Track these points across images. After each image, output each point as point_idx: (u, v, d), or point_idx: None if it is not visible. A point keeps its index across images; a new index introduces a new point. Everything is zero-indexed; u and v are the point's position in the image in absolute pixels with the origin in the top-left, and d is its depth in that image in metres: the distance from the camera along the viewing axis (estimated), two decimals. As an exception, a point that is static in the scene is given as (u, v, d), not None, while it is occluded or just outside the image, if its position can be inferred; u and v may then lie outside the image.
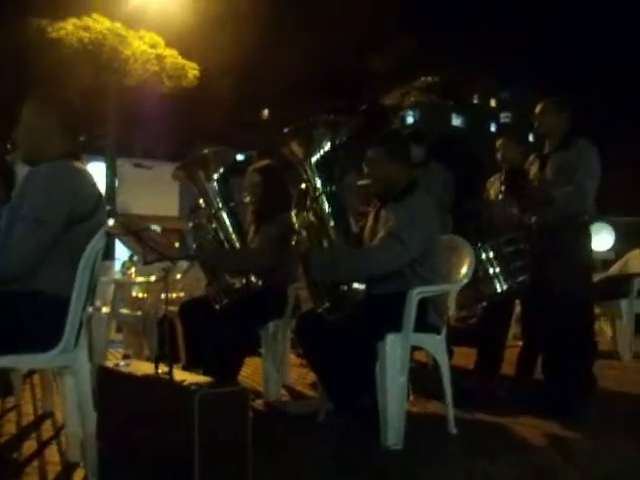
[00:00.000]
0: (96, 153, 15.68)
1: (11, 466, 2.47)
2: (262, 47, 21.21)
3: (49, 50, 13.16)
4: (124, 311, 4.82)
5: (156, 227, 15.54)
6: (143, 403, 2.33)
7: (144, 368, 2.52)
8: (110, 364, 2.77)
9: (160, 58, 14.12)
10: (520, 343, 4.11)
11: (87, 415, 2.28)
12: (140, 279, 4.88)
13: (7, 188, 3.16)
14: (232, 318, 3.29)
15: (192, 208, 3.67)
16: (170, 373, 2.30)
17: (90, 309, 4.01)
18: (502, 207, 3.75)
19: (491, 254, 3.48)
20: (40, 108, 2.33)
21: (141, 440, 2.27)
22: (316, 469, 2.49)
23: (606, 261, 15.11)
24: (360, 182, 3.12)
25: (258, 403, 3.48)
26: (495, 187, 3.99)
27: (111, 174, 14.63)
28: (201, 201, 3.62)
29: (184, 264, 4.67)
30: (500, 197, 3.77)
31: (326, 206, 2.88)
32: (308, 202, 2.91)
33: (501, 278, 3.47)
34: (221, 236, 3.57)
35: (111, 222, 2.71)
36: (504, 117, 38.66)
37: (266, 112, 30.48)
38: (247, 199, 3.68)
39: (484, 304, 3.72)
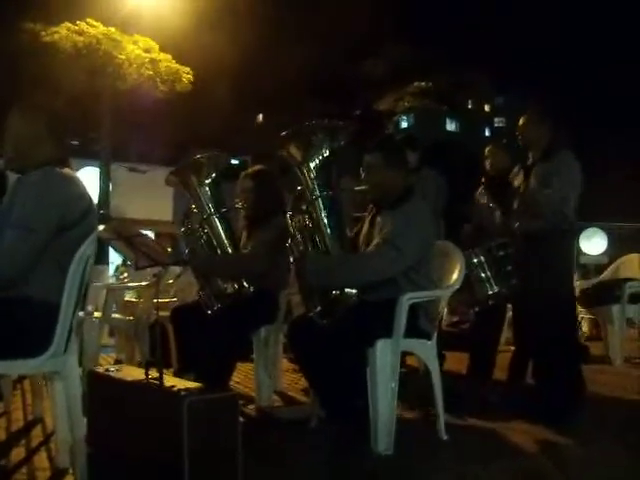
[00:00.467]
0: (90, 157, 15.66)
1: (0, 472, 2.45)
2: (256, 52, 21.29)
3: (43, 54, 13.14)
4: (116, 316, 4.80)
5: (148, 232, 15.54)
6: (133, 409, 2.32)
7: (134, 373, 2.50)
8: (100, 369, 2.76)
9: (154, 62, 14.11)
10: (512, 348, 4.12)
11: (76, 420, 2.27)
12: (132, 284, 4.87)
13: None
14: (224, 323, 3.29)
15: (186, 213, 3.67)
16: (160, 379, 2.29)
17: (81, 314, 4.00)
18: (491, 211, 3.78)
19: (482, 258, 3.50)
20: (26, 115, 2.33)
21: (130, 446, 2.25)
22: (307, 475, 2.49)
23: (599, 265, 15.23)
24: (357, 187, 3.12)
25: (250, 409, 3.47)
26: (486, 195, 4.02)
27: (105, 178, 14.59)
28: (194, 206, 3.62)
29: (176, 269, 4.67)
30: (486, 201, 3.82)
31: (322, 210, 2.89)
32: (304, 205, 2.91)
33: (492, 282, 3.48)
34: (213, 241, 3.57)
35: (102, 227, 2.69)
36: (498, 122, 38.80)
37: (260, 117, 30.52)
38: (239, 204, 3.68)
39: (476, 309, 3.72)
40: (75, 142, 16.66)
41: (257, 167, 3.82)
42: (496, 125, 38.74)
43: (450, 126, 38.04)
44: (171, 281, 4.93)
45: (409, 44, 28.22)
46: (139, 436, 2.24)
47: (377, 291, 2.81)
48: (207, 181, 3.60)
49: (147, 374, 2.34)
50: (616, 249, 15.62)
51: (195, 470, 2.05)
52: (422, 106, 29.77)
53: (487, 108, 40.19)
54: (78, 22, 13.72)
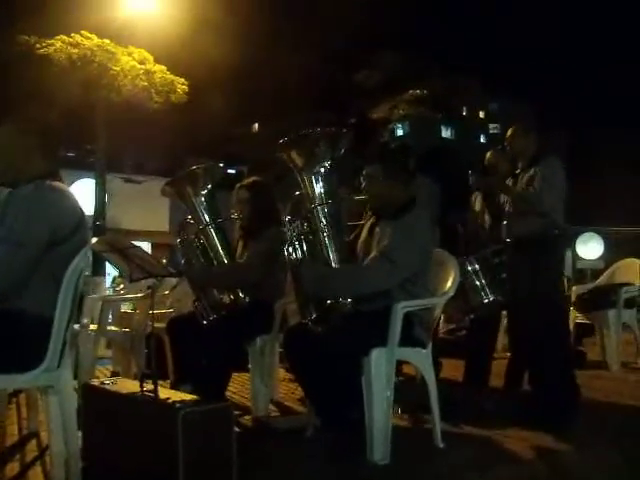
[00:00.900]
0: (86, 169, 15.67)
1: (-5, 487, 2.45)
2: (251, 62, 21.37)
3: (37, 67, 13.17)
4: (112, 328, 4.79)
5: (145, 243, 15.54)
6: (128, 421, 2.32)
7: (129, 386, 2.50)
8: (96, 382, 2.76)
9: (149, 74, 14.15)
10: (509, 355, 4.12)
11: (71, 434, 2.27)
12: (128, 295, 4.87)
13: None
14: (219, 334, 3.29)
15: (181, 224, 3.68)
16: (155, 391, 2.29)
17: (77, 326, 3.99)
18: (484, 219, 3.81)
19: (477, 266, 3.51)
20: (17, 130, 2.34)
21: (125, 459, 2.25)
22: (303, 485, 2.49)
23: (595, 270, 15.26)
24: (356, 197, 3.14)
25: (246, 419, 3.46)
26: (479, 201, 4.04)
27: (101, 189, 14.59)
28: (189, 217, 3.63)
29: (173, 280, 4.66)
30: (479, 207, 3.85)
31: (322, 218, 2.90)
32: (303, 211, 2.93)
33: (487, 290, 3.49)
34: (209, 252, 3.58)
35: (94, 240, 2.69)
36: (493, 128, 38.95)
37: (256, 126, 30.59)
38: (235, 215, 3.69)
39: (471, 316, 3.73)
40: (70, 154, 16.69)
41: (252, 178, 3.84)
42: (491, 132, 38.90)
43: (445, 133, 38.18)
44: (167, 292, 4.93)
45: (403, 52, 28.35)
46: (134, 449, 2.24)
47: (372, 300, 2.82)
48: (203, 192, 3.61)
49: (142, 386, 2.35)
50: (612, 254, 15.65)
51: (190, 482, 2.05)
52: (417, 114, 29.82)
53: (482, 115, 40.36)
54: (73, 34, 13.76)
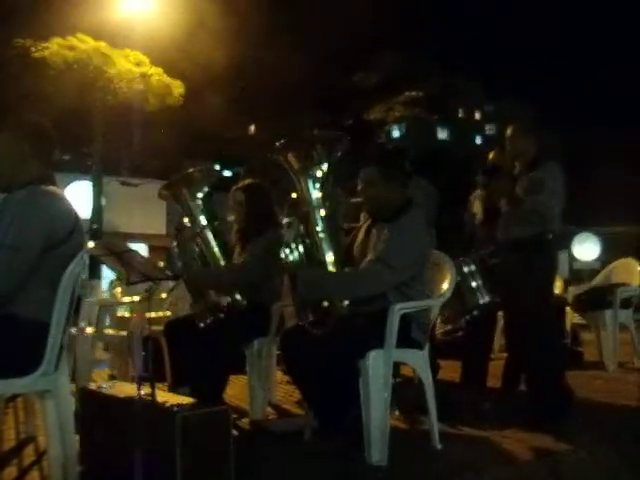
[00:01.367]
0: (82, 171, 15.65)
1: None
2: (248, 63, 21.36)
3: (33, 70, 13.15)
4: (109, 331, 4.79)
5: (142, 246, 15.51)
6: (125, 425, 2.32)
7: (127, 390, 2.50)
8: (93, 385, 2.76)
9: (145, 77, 14.14)
10: (506, 355, 4.13)
11: (68, 438, 2.27)
12: (125, 299, 4.86)
13: None
14: (217, 336, 3.29)
15: (177, 227, 3.69)
16: (152, 394, 2.29)
17: (74, 330, 3.99)
18: (481, 220, 3.81)
19: (473, 267, 3.51)
20: (9, 135, 2.33)
21: (123, 462, 2.25)
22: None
23: (592, 271, 15.26)
24: (352, 200, 3.14)
25: (244, 422, 3.46)
26: (478, 201, 4.03)
27: (97, 192, 14.57)
28: (186, 220, 3.63)
29: (170, 283, 4.66)
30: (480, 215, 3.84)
31: (318, 221, 2.90)
32: (299, 214, 2.93)
33: (483, 291, 3.50)
34: (206, 255, 3.59)
35: (91, 244, 2.70)
36: (489, 129, 38.98)
37: (253, 128, 30.57)
38: (232, 217, 3.70)
39: (468, 317, 3.73)
40: (67, 157, 16.67)
41: (247, 180, 3.84)
42: (487, 133, 38.94)
43: (442, 134, 38.20)
44: (164, 295, 4.92)
45: (402, 52, 28.38)
46: (132, 453, 2.24)
47: (368, 303, 2.82)
48: (199, 195, 3.62)
49: (139, 390, 2.34)
50: (609, 254, 15.66)
51: (188, 485, 2.05)
52: (413, 115, 29.89)
53: (477, 116, 40.40)
54: (68, 37, 13.75)
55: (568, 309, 5.71)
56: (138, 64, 14.26)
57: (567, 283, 7.21)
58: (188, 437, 2.07)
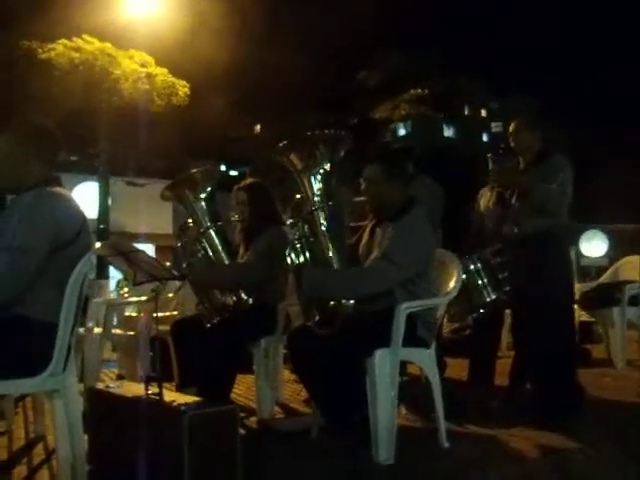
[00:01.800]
0: (89, 172, 15.71)
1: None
2: (253, 63, 21.39)
3: (39, 71, 13.21)
4: (116, 331, 4.81)
5: (149, 246, 15.55)
6: (133, 424, 2.33)
7: (135, 389, 2.52)
8: (101, 385, 2.77)
9: (150, 77, 14.19)
10: (513, 353, 4.11)
11: (77, 438, 2.28)
12: (132, 299, 4.88)
13: None
14: (222, 336, 3.30)
15: (181, 227, 3.69)
16: (160, 394, 2.30)
17: (82, 330, 4.01)
18: (489, 218, 3.79)
19: (479, 265, 3.50)
20: (15, 138, 2.34)
21: (131, 462, 2.26)
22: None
23: (600, 267, 15.22)
24: (356, 199, 3.14)
25: (252, 420, 3.47)
26: (485, 197, 4.02)
27: (104, 193, 14.64)
28: (190, 220, 3.64)
29: (176, 283, 4.68)
30: (490, 206, 3.81)
31: (322, 220, 2.90)
32: (304, 214, 2.93)
33: (489, 289, 3.49)
34: (210, 254, 3.59)
35: (98, 244, 2.71)
36: (495, 127, 38.88)
37: (258, 127, 30.60)
38: (235, 217, 3.70)
39: (474, 315, 3.73)
40: (73, 158, 16.72)
41: (249, 180, 3.85)
42: (493, 130, 38.83)
43: (447, 132, 38.14)
44: (171, 295, 4.94)
45: (405, 51, 28.36)
46: (140, 452, 2.25)
47: (374, 301, 2.82)
48: (202, 195, 3.63)
49: (147, 389, 2.36)
50: (617, 251, 15.60)
51: (196, 484, 2.06)
52: (419, 113, 29.85)
53: (483, 113, 40.31)
54: (74, 38, 13.80)
55: (575, 306, 5.69)
56: (143, 65, 14.32)
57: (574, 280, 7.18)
58: (195, 436, 2.08)
